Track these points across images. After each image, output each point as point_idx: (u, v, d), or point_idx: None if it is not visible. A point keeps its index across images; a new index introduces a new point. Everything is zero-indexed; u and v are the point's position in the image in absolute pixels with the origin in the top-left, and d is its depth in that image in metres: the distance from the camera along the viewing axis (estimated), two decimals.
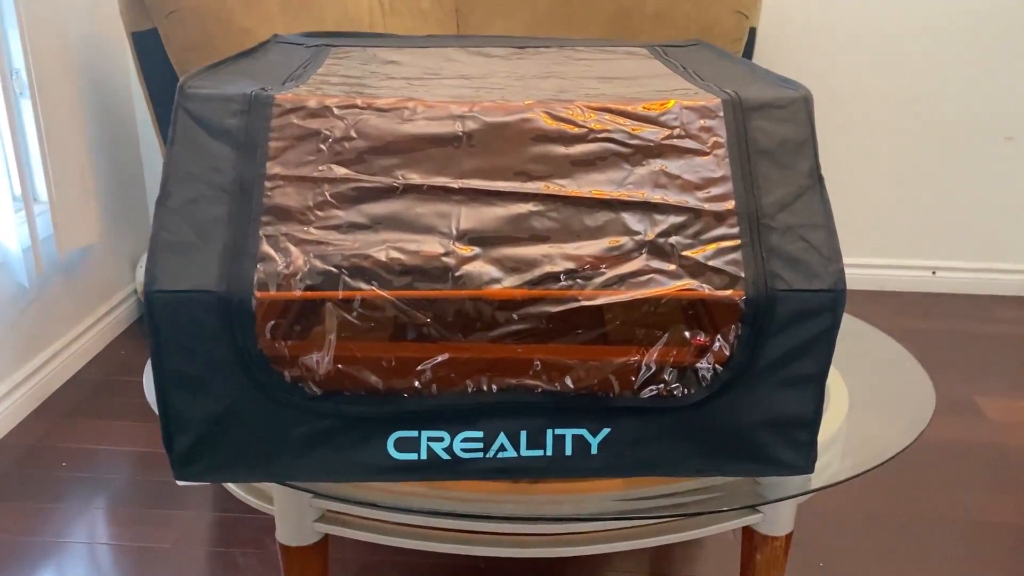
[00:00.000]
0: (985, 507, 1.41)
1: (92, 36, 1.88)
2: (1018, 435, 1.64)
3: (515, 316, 0.77)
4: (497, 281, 0.76)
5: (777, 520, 0.95)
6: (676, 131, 0.82)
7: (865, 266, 2.27)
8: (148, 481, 1.46)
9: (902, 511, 1.40)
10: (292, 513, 0.93)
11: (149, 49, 1.59)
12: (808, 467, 0.83)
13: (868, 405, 1.04)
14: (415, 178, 0.79)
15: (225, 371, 0.76)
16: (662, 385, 0.79)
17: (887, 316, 2.14)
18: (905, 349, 1.15)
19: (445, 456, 0.80)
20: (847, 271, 2.02)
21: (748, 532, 0.98)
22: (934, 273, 2.27)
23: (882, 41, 2.12)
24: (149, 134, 2.10)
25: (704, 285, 0.77)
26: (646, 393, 0.79)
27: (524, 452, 0.80)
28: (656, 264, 0.77)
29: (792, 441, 0.82)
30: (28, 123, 1.66)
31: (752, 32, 1.67)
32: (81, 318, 1.88)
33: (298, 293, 0.75)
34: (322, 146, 0.80)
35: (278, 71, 0.98)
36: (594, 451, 0.81)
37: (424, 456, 0.80)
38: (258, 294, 0.74)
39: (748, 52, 1.68)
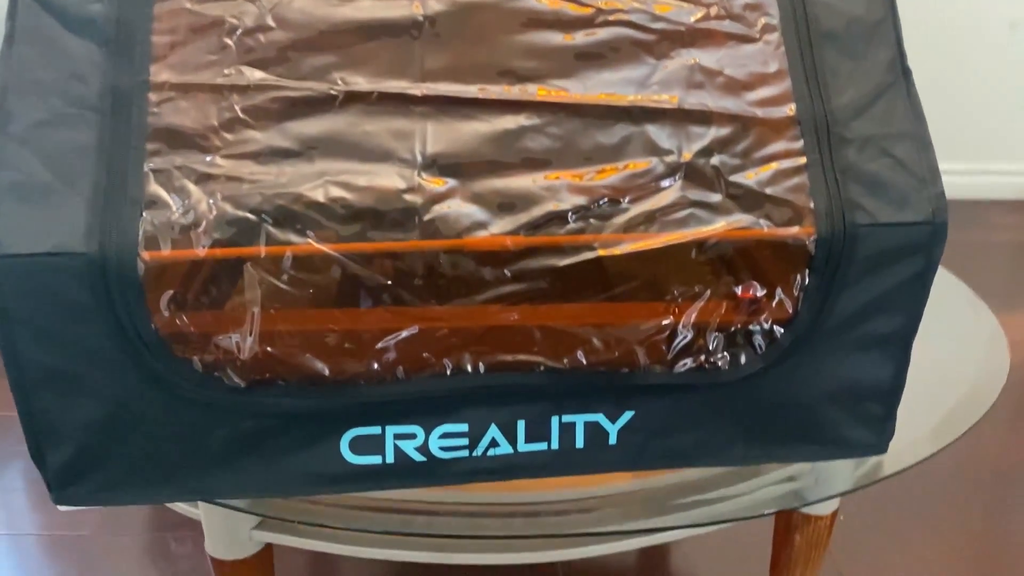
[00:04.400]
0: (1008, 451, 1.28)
1: None
2: None
3: (507, 273, 0.56)
4: (481, 226, 0.55)
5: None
6: (714, 10, 0.60)
7: None
8: None
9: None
10: (223, 520, 0.73)
11: None
12: (882, 446, 0.65)
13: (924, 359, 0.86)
14: (360, 82, 0.57)
15: (106, 361, 0.55)
16: (703, 356, 0.59)
17: None
18: (965, 284, 0.97)
19: (419, 457, 0.60)
20: None
21: (783, 511, 0.81)
22: None
23: None
24: None
25: (762, 221, 0.57)
26: (681, 367, 0.59)
27: (522, 447, 0.61)
28: (696, 195, 0.57)
29: (864, 416, 0.64)
30: None
31: None
32: None
33: (203, 251, 0.54)
34: (227, 40, 0.57)
35: None
36: (612, 441, 0.62)
37: (391, 459, 0.60)
38: (146, 254, 0.53)
39: None
